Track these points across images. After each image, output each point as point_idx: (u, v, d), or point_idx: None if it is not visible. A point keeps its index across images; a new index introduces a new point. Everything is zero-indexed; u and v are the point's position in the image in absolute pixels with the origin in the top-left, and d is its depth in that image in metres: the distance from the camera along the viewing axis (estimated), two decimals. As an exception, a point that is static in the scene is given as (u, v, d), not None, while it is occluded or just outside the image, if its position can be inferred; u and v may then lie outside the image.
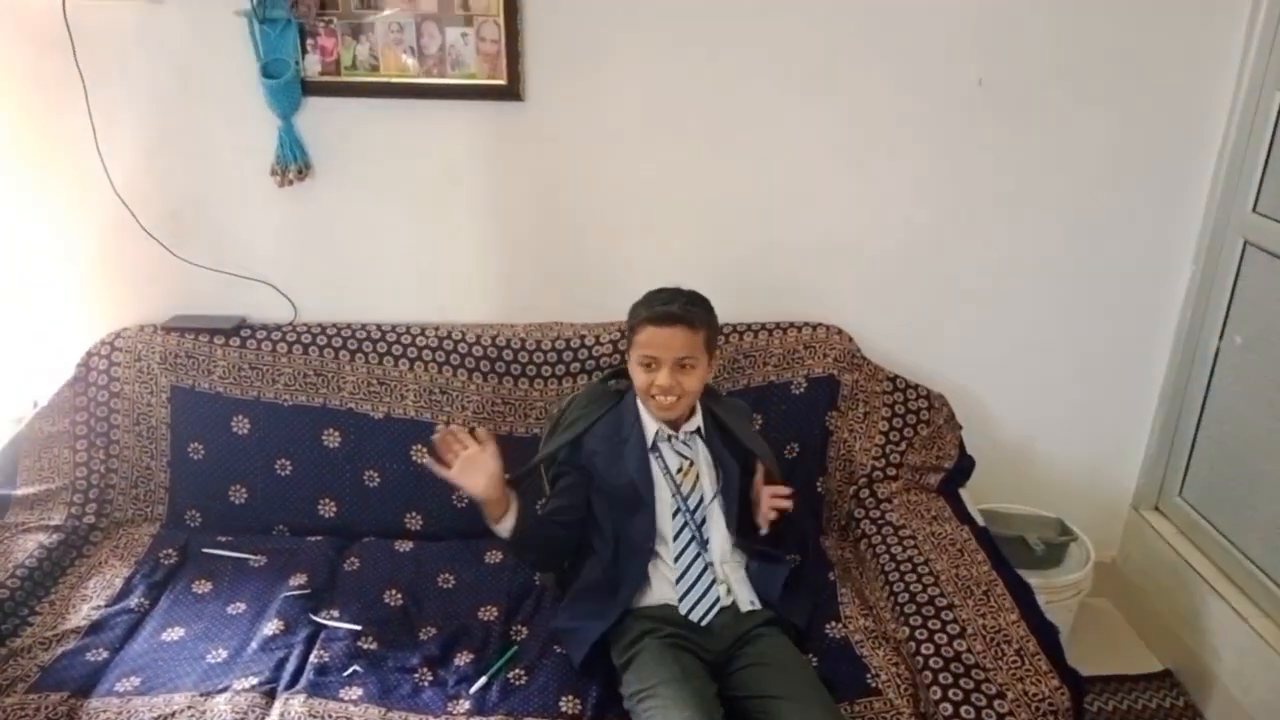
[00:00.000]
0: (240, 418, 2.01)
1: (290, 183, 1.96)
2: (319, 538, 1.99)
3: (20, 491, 1.93)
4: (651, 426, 1.79)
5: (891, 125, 2.04)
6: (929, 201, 2.10)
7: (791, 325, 2.11)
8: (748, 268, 2.13)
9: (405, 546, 1.99)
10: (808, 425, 2.09)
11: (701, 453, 1.81)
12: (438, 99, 1.94)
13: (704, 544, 1.76)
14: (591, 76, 1.96)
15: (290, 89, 1.88)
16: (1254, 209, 2.00)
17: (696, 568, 1.74)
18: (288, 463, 2.02)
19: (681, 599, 1.72)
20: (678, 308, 1.71)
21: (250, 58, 1.87)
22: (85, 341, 2.03)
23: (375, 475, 2.03)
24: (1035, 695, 1.58)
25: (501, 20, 1.87)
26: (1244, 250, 2.03)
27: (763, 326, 2.10)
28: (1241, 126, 2.01)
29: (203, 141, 1.98)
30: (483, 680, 1.65)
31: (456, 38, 1.88)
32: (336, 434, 2.03)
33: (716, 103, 2.00)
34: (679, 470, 1.78)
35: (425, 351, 2.05)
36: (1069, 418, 2.31)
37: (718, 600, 1.73)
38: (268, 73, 1.87)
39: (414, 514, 2.03)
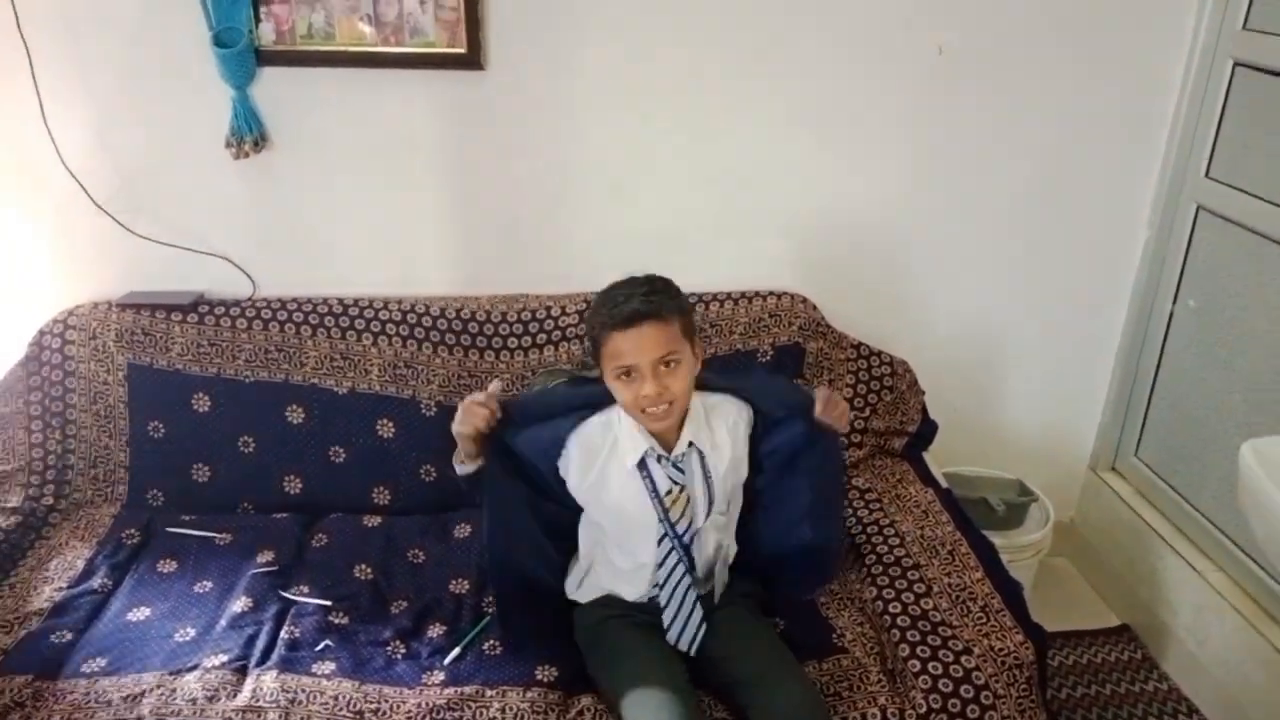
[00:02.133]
0: (201, 395, 1.98)
1: (246, 155, 1.92)
2: (285, 515, 1.97)
3: (-26, 475, 1.89)
4: (639, 443, 1.58)
5: (853, 94, 2.05)
6: (890, 170, 2.12)
7: (757, 294, 2.12)
8: (713, 236, 2.13)
9: (373, 522, 1.98)
10: (775, 392, 2.11)
11: (697, 472, 1.61)
12: (396, 68, 1.91)
13: (691, 567, 1.62)
14: (554, 44, 1.94)
15: (244, 59, 1.83)
16: (1206, 174, 2.04)
17: (679, 593, 1.61)
18: (251, 440, 1.99)
19: (668, 628, 1.60)
20: (639, 302, 1.48)
21: (202, 27, 1.82)
22: (37, 320, 1.98)
23: (341, 451, 2.01)
24: (1000, 650, 1.62)
25: (461, -13, 1.84)
26: (1197, 215, 2.07)
27: (729, 296, 2.11)
28: (1194, 94, 2.05)
29: (155, 114, 1.93)
30: (456, 651, 1.64)
31: (415, 5, 1.85)
32: (300, 410, 2.00)
33: (680, 72, 1.99)
34: (668, 494, 1.59)
35: (389, 325, 2.02)
36: (1028, 382, 2.35)
37: (703, 627, 1.61)
38: (220, 42, 1.82)
39: (381, 489, 2.02)
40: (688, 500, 1.60)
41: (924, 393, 2.16)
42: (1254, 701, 1.91)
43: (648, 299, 1.49)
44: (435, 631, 1.71)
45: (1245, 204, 1.94)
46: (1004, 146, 2.11)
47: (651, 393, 1.49)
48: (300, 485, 2.00)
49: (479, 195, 2.06)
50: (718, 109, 2.03)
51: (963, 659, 1.61)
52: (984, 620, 1.67)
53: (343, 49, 1.87)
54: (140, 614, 1.71)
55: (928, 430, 2.15)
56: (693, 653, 1.60)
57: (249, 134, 1.89)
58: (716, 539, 1.67)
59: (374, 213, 2.04)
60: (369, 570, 1.85)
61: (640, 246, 2.10)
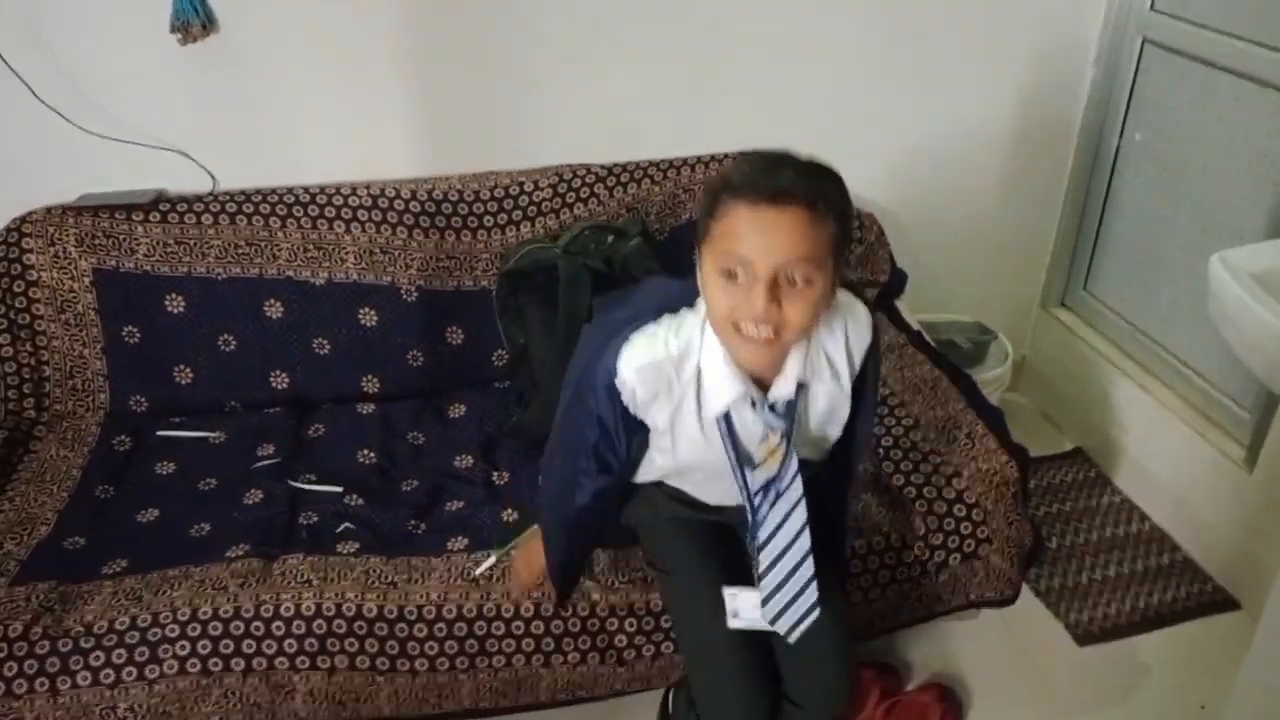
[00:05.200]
0: (173, 295, 1.92)
1: (194, 39, 1.81)
2: (276, 409, 1.96)
3: (-55, 394, 1.82)
4: (731, 384, 1.20)
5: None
6: (837, 13, 2.11)
7: (726, 155, 2.13)
8: (681, 103, 2.11)
9: (367, 409, 1.98)
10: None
11: (803, 416, 1.27)
12: (351, -62, 1.82)
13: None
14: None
15: (185, -68, 1.72)
16: (1152, 7, 2.10)
17: (786, 557, 1.29)
18: (231, 338, 1.95)
19: (766, 601, 1.32)
20: (793, 177, 1.08)
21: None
22: (-13, 230, 1.88)
23: (325, 342, 1.98)
24: (988, 470, 1.73)
25: None
26: (1142, 48, 2.14)
27: (699, 159, 2.12)
28: (1137, -73, 2.10)
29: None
30: (491, 558, 1.59)
31: None
32: (278, 304, 1.96)
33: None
34: (763, 442, 1.25)
35: (360, 211, 1.98)
36: (982, 224, 2.43)
37: (814, 612, 1.31)
38: (159, -86, 1.71)
39: (370, 377, 2.01)
40: (784, 457, 1.25)
41: (889, 244, 2.23)
42: (1201, 501, 2.10)
43: (807, 179, 1.09)
44: (453, 506, 1.74)
45: (1191, 34, 2.01)
46: None
47: (760, 309, 1.09)
48: (287, 379, 1.98)
49: (442, 71, 1.99)
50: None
51: (953, 481, 1.73)
52: (970, 445, 1.78)
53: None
54: (150, 515, 1.70)
55: (899, 279, 2.22)
56: (792, 639, 1.33)
57: (195, 17, 1.78)
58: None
59: (333, 95, 1.96)
60: (372, 455, 1.86)
61: (609, 115, 2.09)
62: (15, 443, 1.81)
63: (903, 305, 2.20)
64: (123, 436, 1.86)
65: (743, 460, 1.27)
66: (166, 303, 1.92)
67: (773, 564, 1.29)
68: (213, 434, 1.88)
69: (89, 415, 1.91)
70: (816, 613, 1.30)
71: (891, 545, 1.67)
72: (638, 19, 2.01)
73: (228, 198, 1.95)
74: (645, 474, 1.42)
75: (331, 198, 1.98)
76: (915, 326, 2.13)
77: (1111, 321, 2.36)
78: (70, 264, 1.88)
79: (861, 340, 1.28)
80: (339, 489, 1.76)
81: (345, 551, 1.61)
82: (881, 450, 1.80)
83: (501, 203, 2.04)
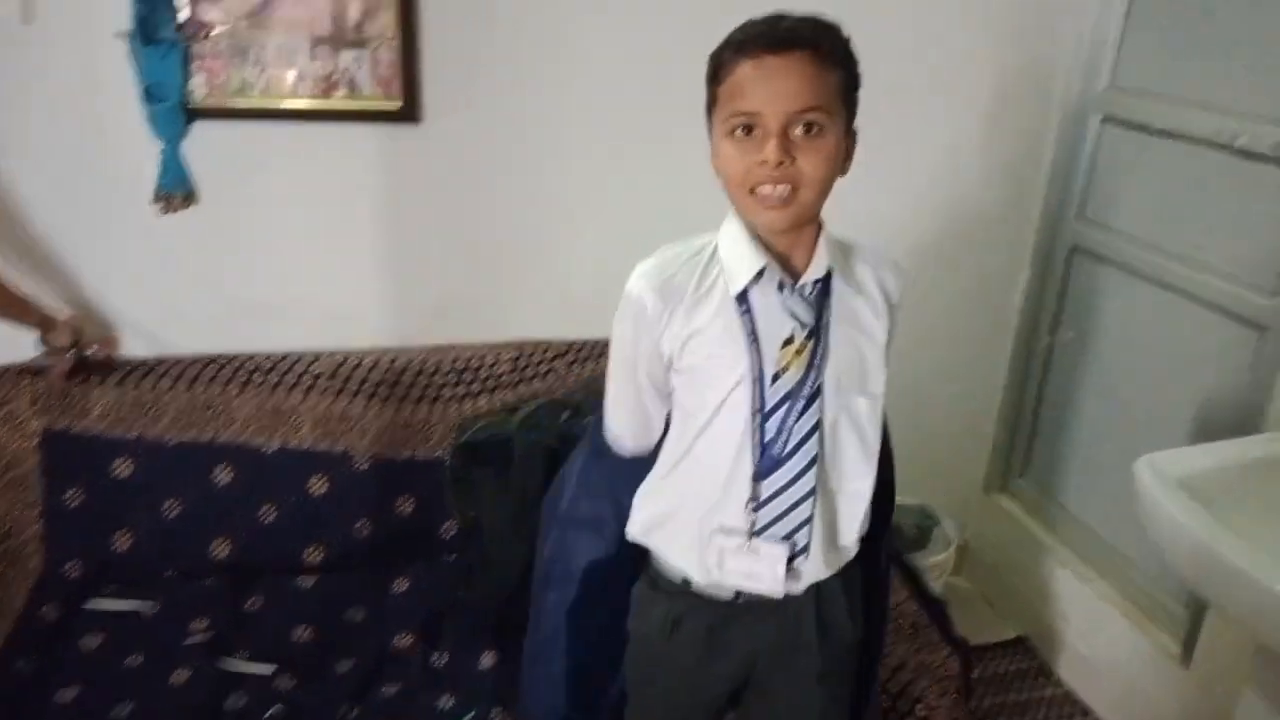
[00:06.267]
0: (122, 459, 1.89)
1: (175, 209, 1.87)
2: (214, 579, 1.91)
3: None
4: (751, 258, 1.14)
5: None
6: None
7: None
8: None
9: (308, 582, 1.94)
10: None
11: (835, 320, 1.17)
12: (331, 122, 1.91)
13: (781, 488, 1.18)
14: (492, 97, 1.98)
15: (175, 113, 1.80)
16: (1078, 216, 2.27)
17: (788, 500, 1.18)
18: (175, 504, 1.92)
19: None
20: (794, 26, 1.08)
21: (130, 80, 1.78)
22: (-62, 386, 1.85)
23: (271, 510, 1.96)
24: (931, 663, 1.73)
25: (398, 43, 1.86)
26: (1071, 255, 2.30)
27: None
28: (1061, 143, 2.28)
29: (79, 168, 1.85)
30: None
31: (350, 61, 1.87)
32: (228, 470, 1.94)
33: (616, 121, 2.06)
34: (786, 344, 1.15)
35: (321, 379, 2.00)
36: (928, 414, 2.51)
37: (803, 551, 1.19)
38: (150, 96, 1.78)
39: (314, 547, 1.98)
40: (815, 355, 1.15)
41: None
42: (1140, 695, 2.11)
43: (808, 25, 1.08)
44: (389, 690, 1.69)
45: (1115, 243, 2.16)
46: (895, 199, 2.24)
47: (772, 158, 1.06)
48: (229, 548, 1.94)
49: (414, 246, 2.07)
50: (651, 154, 2.08)
51: (897, 674, 1.73)
52: (914, 636, 1.79)
53: (277, 104, 1.86)
54: (69, 694, 1.62)
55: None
56: (781, 593, 1.20)
57: (179, 189, 1.85)
58: (837, 462, 1.21)
59: (305, 266, 2.02)
60: (309, 631, 1.81)
61: (571, 294, 2.16)
62: (-64, 610, 1.74)
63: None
64: (50, 606, 1.79)
65: (764, 366, 1.14)
66: (113, 466, 1.89)
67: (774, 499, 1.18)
68: (145, 604, 1.82)
69: (18, 581, 1.84)
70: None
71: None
72: (600, 198, 2.11)
73: (189, 362, 1.96)
74: (648, 512, 1.28)
75: (294, 365, 2.00)
76: (862, 512, 2.17)
77: (1052, 511, 2.42)
78: (21, 423, 1.85)
79: (892, 280, 1.24)
80: (270, 669, 1.70)
81: (273, 741, 1.55)
82: (829, 641, 1.79)
83: (461, 375, 2.07)
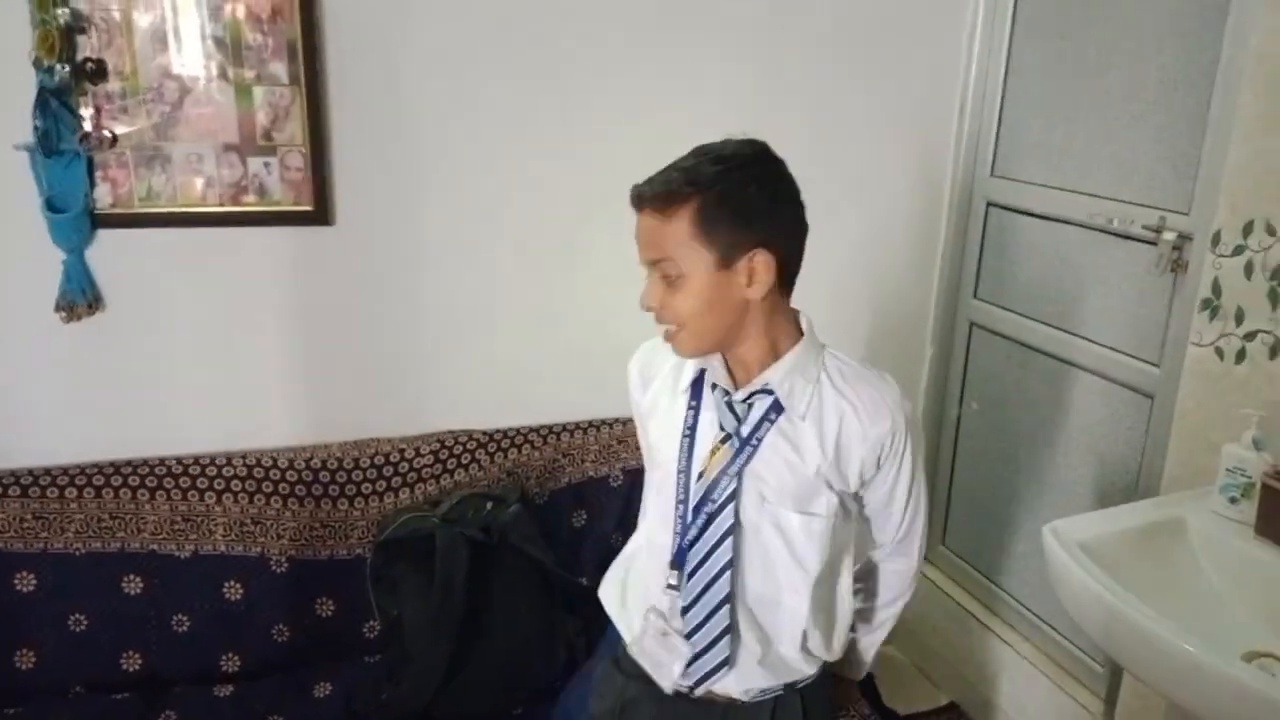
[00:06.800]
0: (24, 573, 1.83)
1: (79, 318, 1.86)
2: (125, 695, 1.84)
3: None
4: (699, 360, 1.24)
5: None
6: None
7: (604, 422, 2.23)
8: (561, 370, 2.23)
9: (225, 691, 1.88)
10: (629, 515, 2.20)
11: (769, 437, 1.20)
12: (241, 226, 1.93)
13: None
14: (402, 197, 2.02)
15: (79, 223, 1.79)
16: (975, 295, 2.38)
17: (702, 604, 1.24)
18: (83, 617, 1.86)
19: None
20: (650, 181, 1.15)
21: (31, 191, 1.78)
22: None
23: (185, 619, 1.91)
24: (861, 738, 1.75)
25: (307, 149, 1.90)
26: (971, 330, 2.40)
27: (578, 425, 2.21)
28: (957, 230, 2.40)
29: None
30: None
31: (259, 167, 1.89)
32: (138, 579, 1.89)
33: (524, 217, 2.12)
34: (718, 446, 1.22)
35: (234, 482, 1.97)
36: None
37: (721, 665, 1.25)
38: (53, 206, 1.78)
39: (231, 655, 1.93)
40: (735, 464, 1.19)
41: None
42: (1070, 757, 2.14)
43: (665, 176, 1.14)
44: (309, 801, 1.64)
45: (1009, 318, 2.27)
46: (814, 291, 2.31)
47: (642, 303, 1.18)
48: (140, 660, 1.88)
49: (326, 344, 2.07)
50: (560, 249, 2.15)
51: (828, 750, 1.73)
52: (845, 711, 1.80)
53: (184, 210, 1.87)
54: (-36, 828, 1.54)
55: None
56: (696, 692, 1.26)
57: (82, 298, 1.84)
58: (768, 571, 1.24)
59: (217, 369, 2.01)
60: (226, 744, 1.75)
61: (489, 385, 2.18)
62: None
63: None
64: (-56, 733, 1.71)
65: (690, 462, 1.24)
66: (16, 581, 1.83)
67: (694, 601, 1.24)
68: (50, 726, 1.75)
69: (-90, 708, 1.76)
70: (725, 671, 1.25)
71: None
72: (508, 292, 2.15)
73: (96, 469, 1.92)
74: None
75: (205, 468, 1.97)
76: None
77: (971, 577, 2.47)
78: (-86, 542, 1.79)
79: (866, 428, 1.22)
80: (187, 786, 1.64)
81: None
82: None
83: (381, 470, 2.06)
